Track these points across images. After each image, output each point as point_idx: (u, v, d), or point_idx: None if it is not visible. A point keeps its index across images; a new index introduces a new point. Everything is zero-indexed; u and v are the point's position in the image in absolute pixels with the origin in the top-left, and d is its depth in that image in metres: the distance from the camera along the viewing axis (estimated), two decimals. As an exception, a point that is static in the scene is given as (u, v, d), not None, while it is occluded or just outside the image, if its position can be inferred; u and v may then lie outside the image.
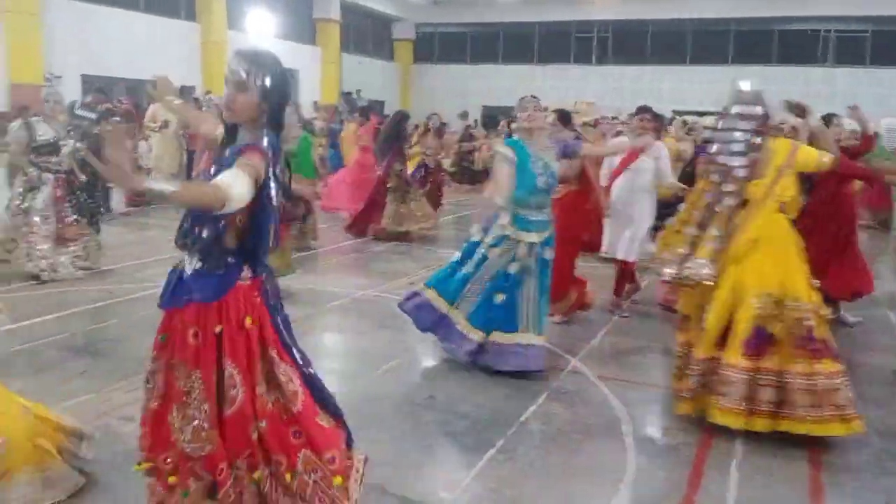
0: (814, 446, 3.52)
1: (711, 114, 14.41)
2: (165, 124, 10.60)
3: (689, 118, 10.47)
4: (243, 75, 2.21)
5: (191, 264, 2.27)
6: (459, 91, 25.07)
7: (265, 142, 2.22)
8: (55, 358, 4.44)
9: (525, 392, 4.16)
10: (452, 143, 14.82)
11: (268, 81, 2.23)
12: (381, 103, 24.15)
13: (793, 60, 21.93)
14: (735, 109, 3.65)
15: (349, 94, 21.41)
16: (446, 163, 13.57)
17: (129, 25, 15.78)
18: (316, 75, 21.86)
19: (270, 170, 2.20)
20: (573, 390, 4.23)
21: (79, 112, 7.38)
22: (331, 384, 4.18)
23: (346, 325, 5.51)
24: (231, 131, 2.32)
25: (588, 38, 24.81)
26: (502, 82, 24.95)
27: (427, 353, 4.84)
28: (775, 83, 21.81)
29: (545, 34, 25.37)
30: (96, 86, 11.15)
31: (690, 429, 3.71)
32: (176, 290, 2.30)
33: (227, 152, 2.26)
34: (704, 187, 4.05)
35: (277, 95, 2.27)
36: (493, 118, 19.46)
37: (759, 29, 22.58)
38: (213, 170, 2.25)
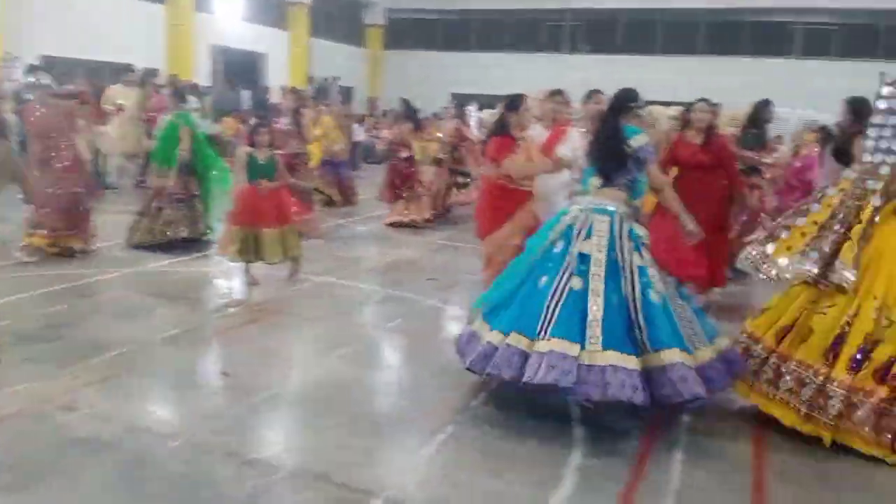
0: (760, 436, 3.56)
1: (680, 104, 14.48)
2: (121, 107, 10.35)
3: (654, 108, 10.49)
4: None
5: None
6: (431, 79, 24.91)
7: None
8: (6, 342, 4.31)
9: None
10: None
11: None
12: (350, 89, 23.93)
13: (763, 52, 22.17)
14: (885, 104, 3.50)
15: (325, 79, 21.17)
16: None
17: (93, 5, 15.35)
18: (284, 60, 21.58)
19: None
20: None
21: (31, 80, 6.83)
22: (283, 369, 4.19)
23: (303, 310, 5.45)
24: None
25: (560, 26, 24.80)
26: (472, 70, 24.86)
27: (384, 341, 4.83)
28: (747, 74, 22.12)
29: (516, 22, 25.29)
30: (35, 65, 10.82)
31: (637, 416, 3.72)
32: None
33: None
34: (845, 186, 3.66)
35: None
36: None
37: (731, 20, 22.80)
38: None
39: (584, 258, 3.48)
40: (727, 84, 20.20)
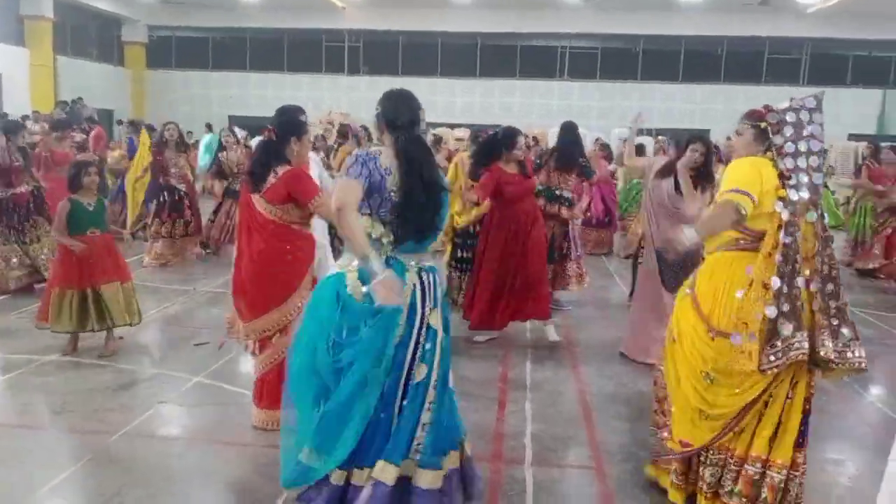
0: None
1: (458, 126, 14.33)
2: None
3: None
4: None
5: None
6: (202, 100, 23.20)
7: None
8: None
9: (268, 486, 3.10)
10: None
11: None
12: (110, 112, 21.41)
13: (535, 74, 23.16)
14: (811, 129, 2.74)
15: (75, 102, 18.49)
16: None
17: None
18: (24, 80, 18.65)
19: None
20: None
21: None
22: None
23: (9, 412, 4.01)
24: None
25: (339, 47, 24.07)
26: (251, 90, 23.50)
27: (124, 450, 3.52)
28: (521, 95, 22.94)
29: (295, 42, 24.18)
30: None
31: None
32: None
33: None
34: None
35: None
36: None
37: (504, 45, 23.50)
38: None
39: (430, 334, 2.61)
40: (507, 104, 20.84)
